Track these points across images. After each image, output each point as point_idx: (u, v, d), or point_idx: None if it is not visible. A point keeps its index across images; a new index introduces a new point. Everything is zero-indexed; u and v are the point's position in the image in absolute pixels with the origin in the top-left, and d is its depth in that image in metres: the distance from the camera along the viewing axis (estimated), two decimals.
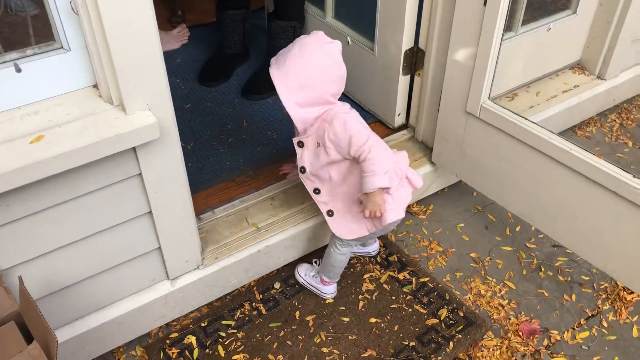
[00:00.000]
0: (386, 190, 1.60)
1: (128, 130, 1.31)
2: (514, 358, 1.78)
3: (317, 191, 1.71)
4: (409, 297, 1.95)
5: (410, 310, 1.91)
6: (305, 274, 1.96)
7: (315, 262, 1.97)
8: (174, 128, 1.44)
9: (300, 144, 1.66)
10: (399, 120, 2.31)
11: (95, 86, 1.37)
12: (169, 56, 2.78)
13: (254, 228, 1.90)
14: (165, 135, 1.42)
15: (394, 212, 1.64)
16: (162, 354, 1.78)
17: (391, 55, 2.16)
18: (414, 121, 2.28)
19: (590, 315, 1.92)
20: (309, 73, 1.53)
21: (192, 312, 1.89)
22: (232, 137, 2.34)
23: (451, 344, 1.80)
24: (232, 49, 2.75)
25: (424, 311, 1.90)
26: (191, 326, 1.86)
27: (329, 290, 1.92)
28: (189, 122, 2.42)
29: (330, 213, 1.72)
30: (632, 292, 1.97)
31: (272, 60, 1.57)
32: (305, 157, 1.67)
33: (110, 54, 1.25)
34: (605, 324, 1.89)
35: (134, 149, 1.39)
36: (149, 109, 1.36)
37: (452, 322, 1.87)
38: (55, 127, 1.28)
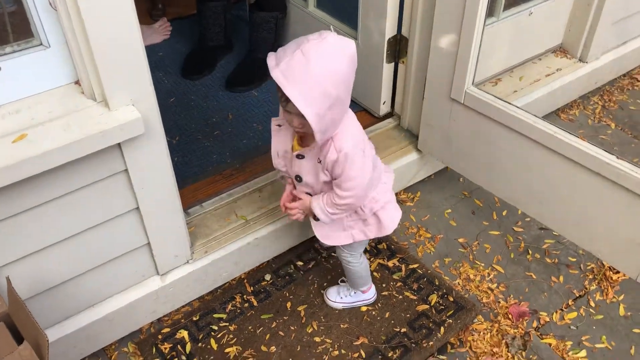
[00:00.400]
0: (388, 201, 1.58)
1: (112, 126, 1.29)
2: (504, 341, 1.80)
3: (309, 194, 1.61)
4: (399, 284, 1.96)
5: (400, 297, 1.92)
6: (341, 297, 1.86)
7: (343, 282, 1.90)
8: (159, 123, 1.43)
9: (300, 157, 1.48)
10: (384, 108, 2.32)
11: (77, 83, 1.35)
12: (150, 50, 2.74)
13: (243, 221, 1.89)
14: (150, 130, 1.41)
15: (395, 221, 1.62)
16: (154, 350, 1.77)
17: (374, 43, 2.15)
18: (399, 109, 2.29)
19: (577, 295, 1.95)
20: (340, 91, 1.28)
21: (183, 306, 1.89)
22: (218, 130, 2.33)
23: (442, 329, 1.81)
24: (214, 41, 2.72)
25: (414, 297, 1.92)
26: (183, 320, 1.85)
27: (371, 294, 1.88)
28: (174, 116, 2.40)
29: (317, 218, 1.58)
30: (617, 272, 1.99)
31: (278, 75, 1.24)
32: (303, 168, 1.50)
33: (91, 49, 1.23)
34: (592, 304, 1.92)
35: (119, 145, 1.38)
36: (132, 104, 1.35)
37: (443, 307, 1.88)
38: (38, 126, 1.26)
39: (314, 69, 1.22)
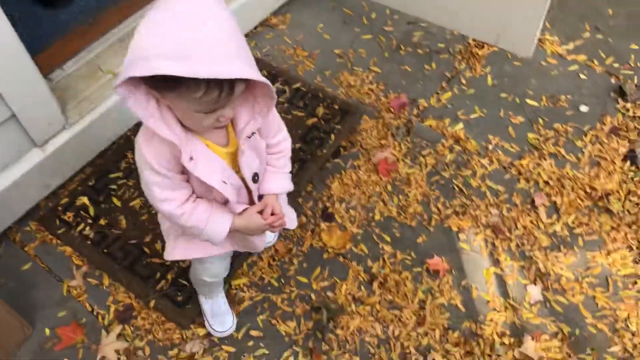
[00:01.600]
0: None
1: None
2: (389, 132, 1.92)
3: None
4: (285, 105, 1.99)
5: (289, 117, 1.96)
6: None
7: None
8: None
9: (242, 150, 1.10)
10: None
11: None
12: None
13: (111, 75, 1.81)
14: None
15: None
16: (57, 221, 1.75)
17: None
18: None
19: (450, 77, 2.07)
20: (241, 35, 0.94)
21: (75, 175, 1.84)
22: None
23: (332, 135, 1.90)
24: None
25: (302, 114, 1.97)
26: (79, 188, 1.82)
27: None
28: None
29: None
30: (482, 47, 2.12)
31: (206, 68, 0.85)
32: (249, 159, 1.13)
33: None
34: (464, 82, 2.05)
35: None
36: None
37: (330, 116, 1.95)
38: None
39: (225, 27, 0.90)
